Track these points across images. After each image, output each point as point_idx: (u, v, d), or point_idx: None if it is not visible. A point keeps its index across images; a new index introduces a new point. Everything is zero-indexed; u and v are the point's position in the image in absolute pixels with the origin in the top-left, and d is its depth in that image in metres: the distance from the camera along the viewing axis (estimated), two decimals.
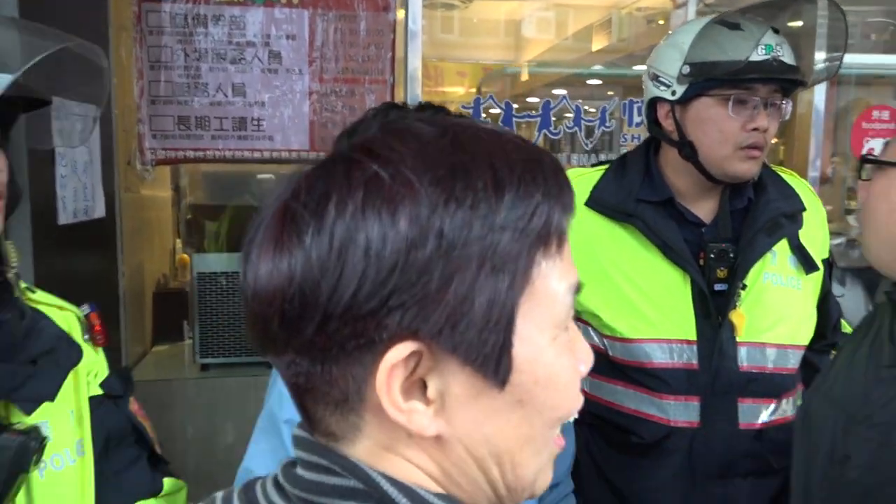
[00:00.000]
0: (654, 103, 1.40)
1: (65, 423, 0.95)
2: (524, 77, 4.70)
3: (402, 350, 0.41)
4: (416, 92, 2.39)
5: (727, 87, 1.29)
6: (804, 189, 1.47)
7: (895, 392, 0.90)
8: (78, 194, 1.87)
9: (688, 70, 1.31)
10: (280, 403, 1.02)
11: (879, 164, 0.92)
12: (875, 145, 2.82)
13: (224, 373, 2.38)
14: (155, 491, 1.09)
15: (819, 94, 2.77)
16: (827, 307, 1.47)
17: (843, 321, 1.51)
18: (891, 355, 0.93)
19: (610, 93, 3.89)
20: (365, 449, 0.45)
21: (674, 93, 1.33)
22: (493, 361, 0.42)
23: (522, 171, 0.43)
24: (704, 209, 1.35)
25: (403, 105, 1.05)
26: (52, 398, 0.92)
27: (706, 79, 1.30)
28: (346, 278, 0.40)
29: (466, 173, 0.42)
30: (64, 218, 1.80)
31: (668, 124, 1.35)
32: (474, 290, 0.41)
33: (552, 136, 2.53)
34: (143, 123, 2.24)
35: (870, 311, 1.07)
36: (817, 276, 1.40)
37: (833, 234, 3.59)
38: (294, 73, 2.29)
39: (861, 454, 0.91)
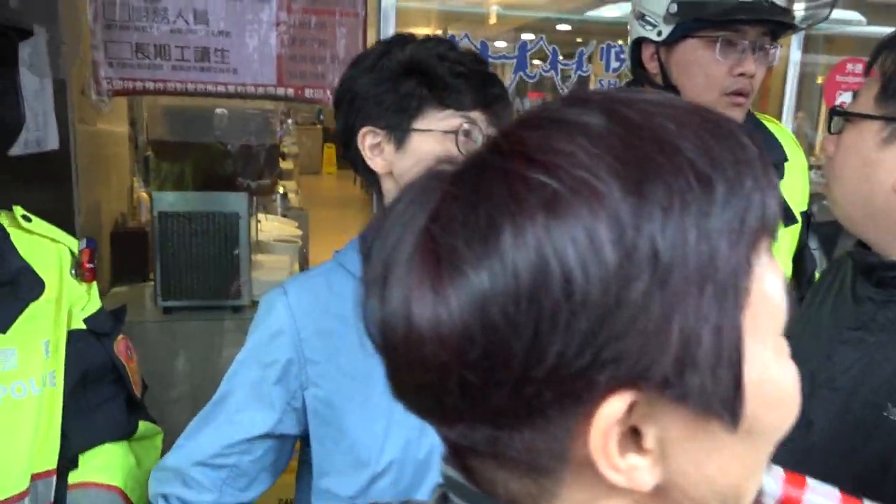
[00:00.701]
0: (639, 44, 1.35)
1: (35, 352, 0.94)
2: (492, 20, 4.59)
3: (618, 405, 0.33)
4: (388, 30, 2.29)
5: (716, 28, 1.24)
6: (787, 138, 1.45)
7: (857, 355, 0.89)
8: (29, 123, 1.75)
9: (675, 9, 1.26)
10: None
11: (849, 115, 0.88)
12: (847, 98, 2.83)
13: (187, 316, 2.31)
14: (128, 433, 1.08)
15: (795, 49, 2.75)
16: (803, 261, 1.46)
17: (816, 274, 1.52)
18: (854, 316, 0.92)
19: (578, 39, 3.83)
20: None
21: (660, 33, 1.29)
22: (728, 401, 0.35)
23: (722, 153, 0.34)
24: None
25: (412, 36, 0.99)
26: (3, 330, 0.91)
27: (694, 19, 1.25)
28: (546, 332, 0.32)
29: (660, 168, 0.33)
30: (14, 149, 1.69)
31: (652, 67, 1.31)
32: (700, 321, 0.33)
33: (528, 79, 2.47)
34: (97, 50, 2.10)
35: (829, 266, 1.05)
36: (795, 229, 1.40)
37: None
38: (261, 0, 2.17)
39: (822, 419, 0.89)
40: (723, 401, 0.35)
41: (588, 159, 0.33)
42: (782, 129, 1.47)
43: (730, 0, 1.23)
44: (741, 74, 1.26)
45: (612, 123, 0.35)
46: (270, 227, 3.30)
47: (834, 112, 0.89)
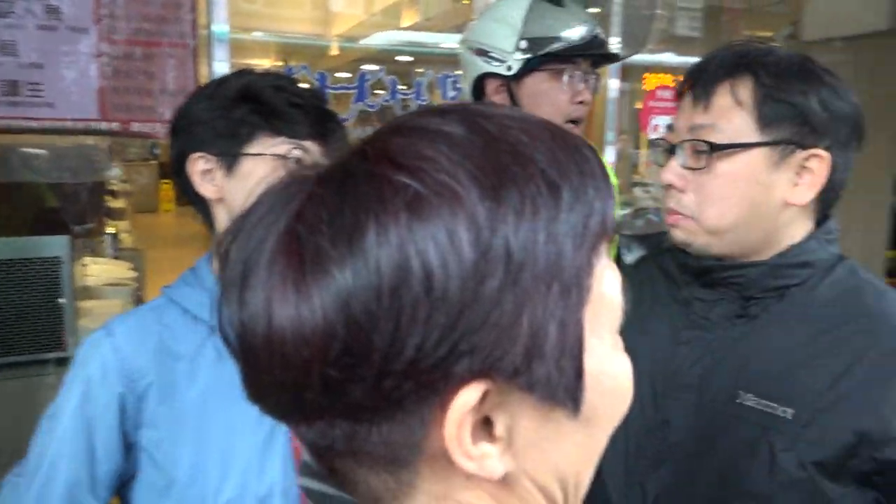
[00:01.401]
0: (482, 79, 1.42)
1: None
2: (333, 51, 4.60)
3: (472, 394, 0.35)
4: (220, 60, 2.22)
5: (561, 61, 1.37)
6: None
7: (699, 353, 0.95)
8: None
9: (525, 45, 1.35)
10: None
11: (732, 147, 0.89)
12: (660, 122, 3.10)
13: (6, 374, 2.07)
14: None
15: (613, 78, 2.99)
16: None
17: None
18: (684, 317, 0.99)
19: (419, 70, 3.93)
20: None
21: (509, 68, 1.37)
22: (571, 390, 0.38)
23: (568, 163, 0.37)
24: None
25: (252, 70, 0.99)
26: None
27: (543, 54, 1.34)
28: (406, 326, 0.33)
29: (515, 176, 0.35)
30: None
31: (499, 99, 1.39)
32: (547, 315, 0.35)
33: (369, 109, 2.48)
34: None
35: (632, 274, 1.10)
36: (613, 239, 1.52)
37: (622, 204, 3.91)
38: (78, 31, 2.03)
39: (679, 418, 0.95)
40: (566, 390, 0.37)
41: (449, 165, 0.35)
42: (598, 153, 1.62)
43: (572, 37, 1.36)
44: (580, 102, 1.39)
45: (472, 133, 0.37)
46: (99, 270, 3.06)
47: (715, 147, 0.89)
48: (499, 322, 0.34)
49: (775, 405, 0.86)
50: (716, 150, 0.89)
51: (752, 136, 0.88)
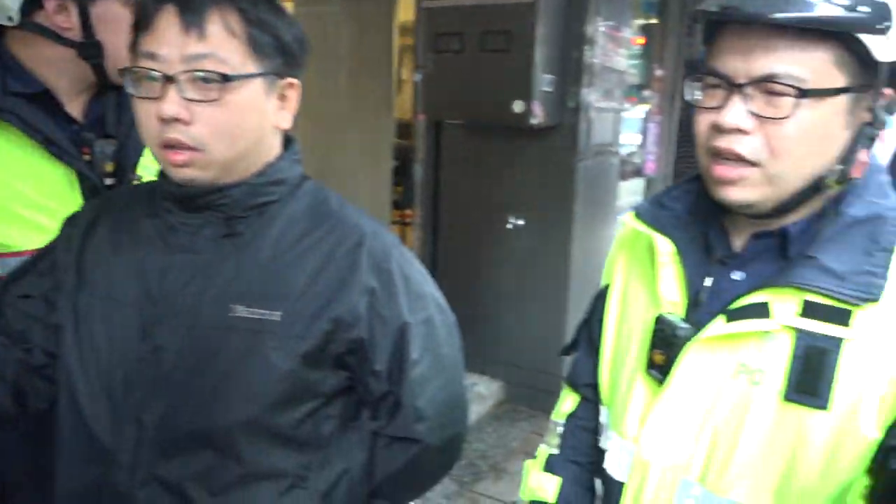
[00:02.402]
0: None
1: None
2: None
3: None
4: None
5: None
6: None
7: (189, 276, 0.96)
8: None
9: None
10: None
11: (238, 79, 0.91)
12: None
13: None
14: None
15: None
16: None
17: None
18: (169, 244, 0.98)
19: None
20: None
21: None
22: None
23: None
24: (78, 107, 1.28)
25: None
26: None
27: None
28: None
29: None
30: None
31: (62, 20, 1.19)
32: None
33: None
34: None
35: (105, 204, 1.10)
36: None
37: None
38: None
39: (172, 342, 0.95)
40: None
41: None
42: None
43: None
44: None
45: None
46: None
47: (228, 78, 0.90)
48: None
49: (264, 311, 0.93)
50: (228, 80, 0.89)
51: (251, 66, 0.92)
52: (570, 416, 1.12)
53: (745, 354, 0.83)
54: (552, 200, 3.49)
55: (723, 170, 0.83)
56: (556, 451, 1.11)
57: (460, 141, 3.69)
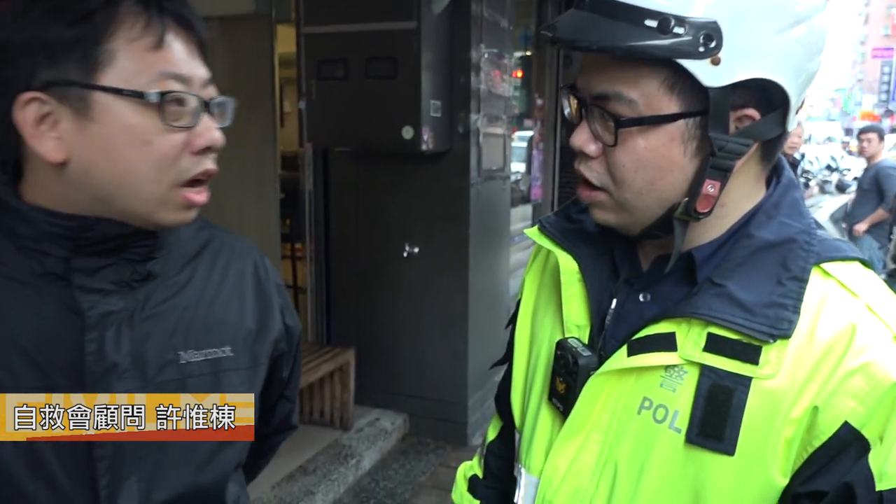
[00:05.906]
0: None
1: None
2: None
3: None
4: None
5: None
6: None
7: (114, 331, 0.80)
8: None
9: None
10: None
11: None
12: None
13: None
14: None
15: None
16: None
17: None
18: (65, 295, 0.80)
19: None
20: None
21: None
22: None
23: None
24: None
25: None
26: None
27: None
28: None
29: None
30: None
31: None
32: None
33: None
34: None
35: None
36: None
37: None
38: None
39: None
40: None
41: None
42: None
43: None
44: None
45: None
46: None
47: None
48: None
49: (216, 349, 0.89)
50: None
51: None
52: (491, 444, 1.08)
53: (649, 388, 0.76)
54: (446, 227, 3.48)
55: (580, 189, 0.80)
56: (479, 475, 1.08)
57: (349, 169, 3.62)
